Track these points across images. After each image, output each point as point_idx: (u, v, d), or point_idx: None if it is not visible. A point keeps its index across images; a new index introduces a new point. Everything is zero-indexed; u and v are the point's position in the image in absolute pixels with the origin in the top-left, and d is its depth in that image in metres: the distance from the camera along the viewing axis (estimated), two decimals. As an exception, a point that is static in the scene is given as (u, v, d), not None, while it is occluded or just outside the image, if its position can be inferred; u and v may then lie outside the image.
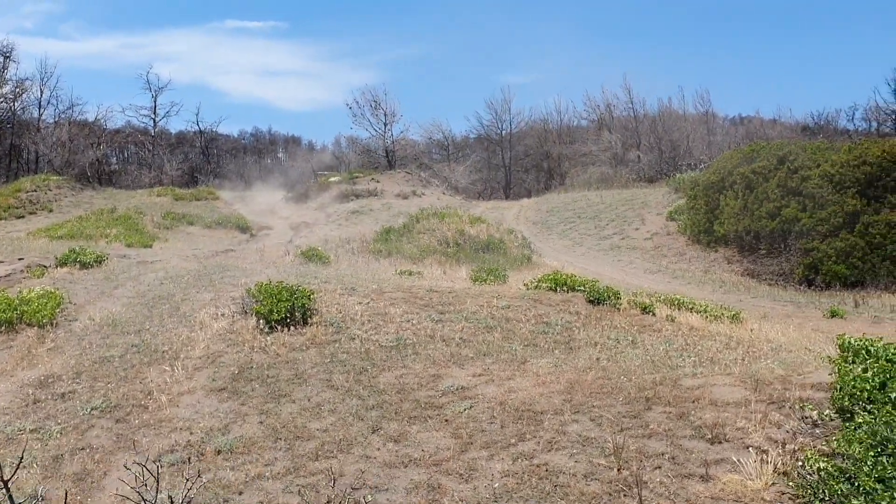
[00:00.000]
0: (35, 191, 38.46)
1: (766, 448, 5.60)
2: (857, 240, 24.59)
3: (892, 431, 4.98)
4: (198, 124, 69.69)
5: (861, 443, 4.93)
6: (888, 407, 5.37)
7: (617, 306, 11.59)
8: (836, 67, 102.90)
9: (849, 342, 7.14)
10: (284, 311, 9.21)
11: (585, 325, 10.47)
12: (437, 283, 13.29)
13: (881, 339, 7.15)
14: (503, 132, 65.92)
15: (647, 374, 7.63)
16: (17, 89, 56.13)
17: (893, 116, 63.13)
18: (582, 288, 12.09)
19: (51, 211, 36.24)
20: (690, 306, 13.27)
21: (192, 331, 9.39)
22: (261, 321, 9.25)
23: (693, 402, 6.70)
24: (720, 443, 5.90)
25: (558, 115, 73.49)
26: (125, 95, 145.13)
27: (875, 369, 5.92)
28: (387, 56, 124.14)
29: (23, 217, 35.24)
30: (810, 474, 5.01)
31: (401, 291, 11.55)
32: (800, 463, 5.19)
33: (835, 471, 4.87)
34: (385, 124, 48.69)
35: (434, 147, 62.84)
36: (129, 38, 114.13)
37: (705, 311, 12.88)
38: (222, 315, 9.84)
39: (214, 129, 71.52)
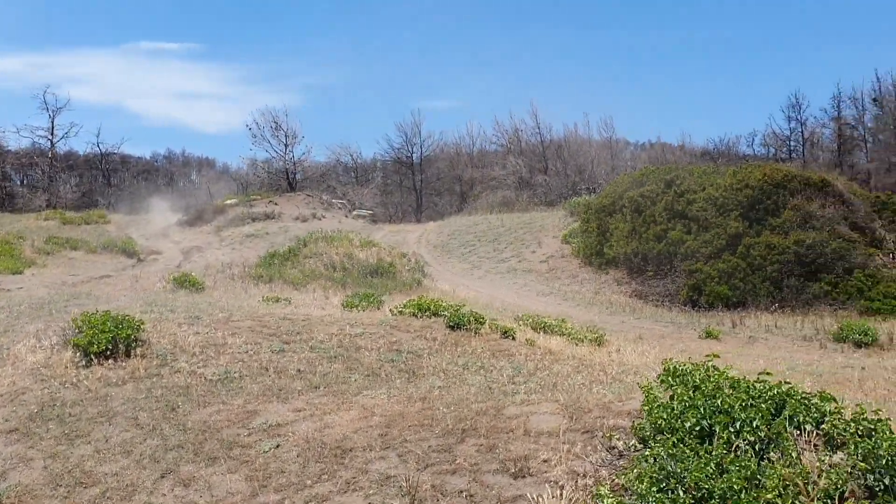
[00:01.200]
0: None
1: (563, 483, 5.38)
2: (739, 261, 25.29)
3: (676, 465, 4.80)
4: (98, 146, 67.21)
5: (647, 477, 4.73)
6: (675, 437, 5.21)
7: (477, 331, 11.35)
8: (737, 97, 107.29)
9: (672, 366, 7.03)
10: (105, 342, 8.58)
11: (439, 352, 10.19)
12: (299, 311, 12.82)
13: (706, 362, 7.06)
14: (413, 155, 65.96)
15: (475, 404, 7.35)
16: None
17: (787, 142, 66.37)
18: (445, 313, 11.82)
19: (-79, 235, 34.06)
20: (557, 329, 13.21)
21: (2, 366, 8.66)
22: (78, 353, 8.60)
23: (508, 433, 6.45)
24: (523, 477, 5.65)
25: (471, 139, 74.13)
26: (29, 116, 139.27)
27: (680, 396, 5.78)
28: (304, 80, 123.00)
29: None
30: (599, 511, 4.79)
31: (251, 320, 11.04)
32: (591, 499, 4.98)
33: (620, 508, 4.66)
34: (286, 146, 47.97)
35: (342, 170, 62.21)
36: (38, 58, 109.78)
37: (569, 334, 12.82)
38: (41, 348, 9.12)
39: (115, 151, 69.08)
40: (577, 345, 12.37)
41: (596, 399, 7.22)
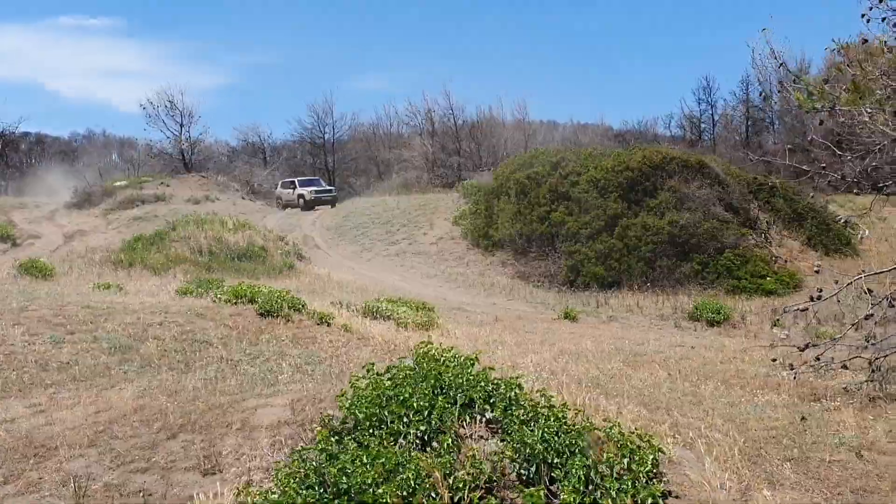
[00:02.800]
0: None
1: (244, 480, 5.26)
2: (616, 242, 25.73)
3: (321, 460, 4.70)
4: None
5: (284, 472, 4.63)
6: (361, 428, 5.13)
7: (289, 318, 11.17)
8: (655, 80, 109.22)
9: (423, 349, 6.97)
10: None
11: (236, 340, 9.98)
12: (120, 299, 12.39)
13: (452, 347, 7.02)
14: (325, 136, 65.18)
15: (215, 397, 7.17)
16: None
17: (698, 124, 68.00)
18: (259, 299, 11.58)
19: None
20: (389, 313, 13.10)
21: None
22: None
23: (226, 427, 6.29)
24: (213, 474, 5.49)
25: (388, 119, 73.57)
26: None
27: (374, 385, 5.69)
28: (232, 59, 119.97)
29: None
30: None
31: (49, 308, 10.59)
32: (248, 497, 4.85)
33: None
34: (181, 126, 46.68)
35: (249, 151, 60.99)
36: None
37: (398, 319, 12.74)
38: None
39: (11, 131, 66.16)
40: (403, 329, 12.31)
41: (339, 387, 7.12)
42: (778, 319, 13.53)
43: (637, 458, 4.68)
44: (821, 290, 8.82)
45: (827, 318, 14.90)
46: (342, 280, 22.52)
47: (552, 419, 5.00)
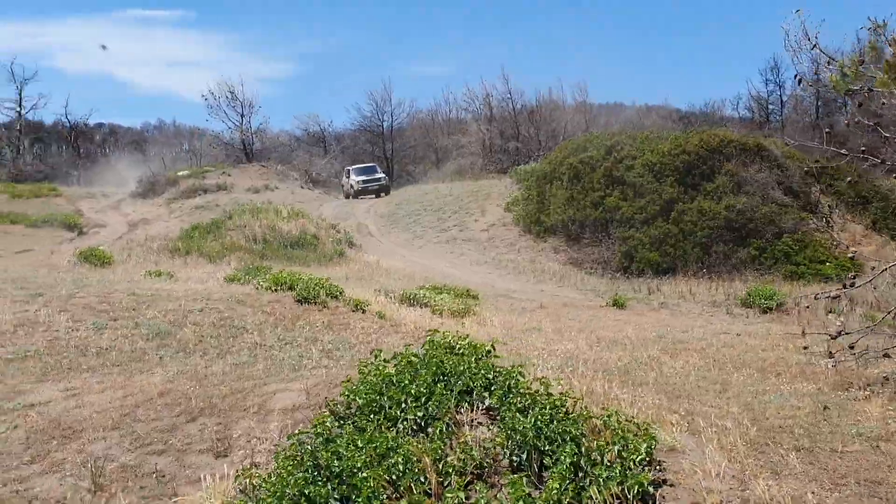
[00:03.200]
0: None
1: (253, 462, 5.42)
2: (671, 227, 25.27)
3: (316, 444, 4.80)
4: (66, 116, 66.73)
5: (290, 461, 4.74)
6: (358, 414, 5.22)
7: (326, 305, 11.36)
8: (722, 60, 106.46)
9: (434, 338, 7.01)
10: None
11: (272, 326, 10.20)
12: (167, 286, 12.77)
13: (466, 335, 7.05)
14: (384, 123, 65.62)
15: (240, 381, 7.37)
16: None
17: (765, 105, 66.04)
18: (298, 286, 11.79)
19: None
20: (426, 301, 13.19)
21: None
22: None
23: (243, 410, 6.48)
24: (225, 456, 5.68)
25: (446, 105, 73.71)
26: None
27: (377, 372, 5.77)
28: (296, 48, 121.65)
29: None
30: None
31: (96, 296, 11.01)
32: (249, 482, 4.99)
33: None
34: (242, 116, 47.67)
35: (311, 140, 61.85)
36: (28, 27, 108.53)
37: (435, 306, 12.82)
38: None
39: (84, 122, 68.69)
40: (438, 317, 12.38)
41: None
42: (833, 307, 13.17)
43: (630, 447, 4.64)
44: (854, 277, 8.56)
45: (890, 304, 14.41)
46: (391, 267, 22.71)
47: (548, 407, 4.99)
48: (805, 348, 8.78)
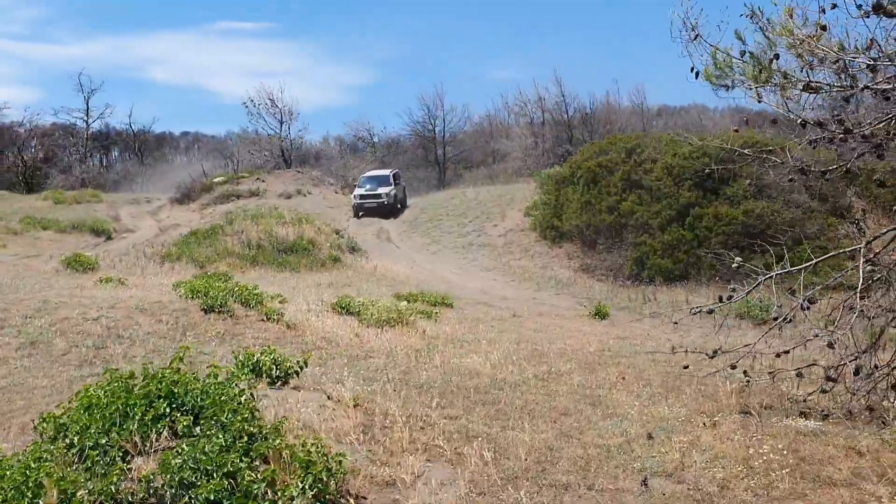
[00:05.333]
0: (-89, 198, 37.89)
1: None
2: (686, 233, 24.14)
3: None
4: (130, 125, 69.15)
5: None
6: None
7: (234, 314, 11.09)
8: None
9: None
10: None
11: (159, 337, 9.99)
12: (84, 293, 12.65)
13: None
14: (435, 129, 65.53)
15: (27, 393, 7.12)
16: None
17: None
18: (211, 293, 11.55)
19: (-79, 218, 35.49)
20: (358, 309, 12.77)
21: None
22: None
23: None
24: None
25: (498, 109, 73.24)
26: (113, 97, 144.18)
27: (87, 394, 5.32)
28: (379, 55, 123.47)
29: None
30: None
31: (3, 302, 11.02)
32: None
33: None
34: (281, 123, 48.25)
35: (361, 145, 62.30)
36: (120, 41, 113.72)
37: (365, 316, 12.40)
38: None
39: (148, 130, 71.08)
40: (364, 326, 11.96)
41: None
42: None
43: (311, 474, 4.18)
44: (734, 289, 7.81)
45: None
46: (388, 273, 22.38)
47: (236, 432, 4.53)
48: (685, 367, 8.10)
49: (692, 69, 8.49)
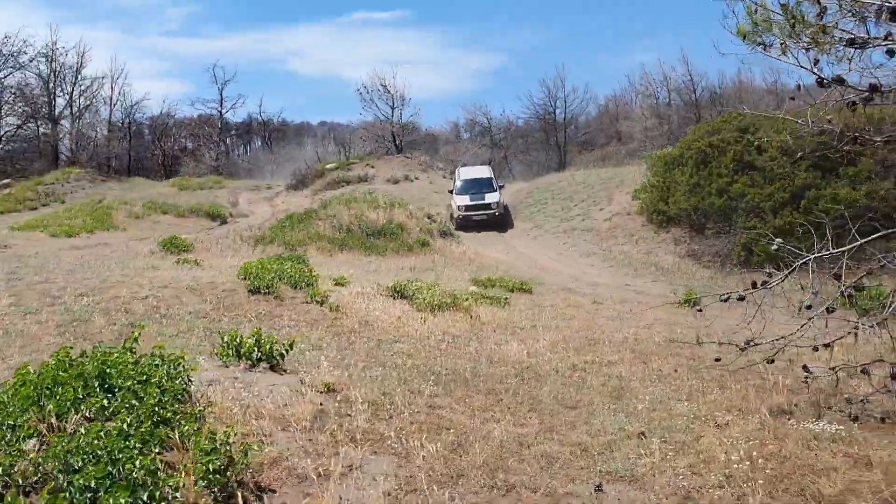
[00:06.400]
0: (53, 183, 40.85)
1: None
2: (800, 217, 22.28)
3: None
4: (260, 115, 72.00)
5: None
6: None
7: (279, 296, 11.04)
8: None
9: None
10: None
11: (201, 317, 10.07)
12: (155, 273, 13.01)
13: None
14: (556, 111, 64.37)
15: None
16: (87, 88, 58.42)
17: None
18: (265, 275, 11.57)
19: (62, 202, 38.18)
20: (412, 293, 12.48)
21: None
22: None
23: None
24: None
25: (624, 91, 71.09)
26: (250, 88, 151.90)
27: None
28: (513, 40, 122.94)
29: (35, 209, 37.30)
30: None
31: (65, 281, 11.47)
32: None
33: None
34: (392, 108, 48.59)
35: (477, 130, 62.00)
36: (263, 34, 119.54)
37: (418, 300, 12.08)
38: None
39: (278, 119, 73.77)
40: (413, 310, 11.65)
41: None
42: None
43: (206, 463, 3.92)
44: (770, 275, 6.98)
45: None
46: (476, 258, 22.00)
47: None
48: (717, 360, 7.36)
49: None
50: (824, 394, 7.40)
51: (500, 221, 28.79)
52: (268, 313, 10.35)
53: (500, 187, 30.31)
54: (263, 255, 19.63)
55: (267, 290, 11.03)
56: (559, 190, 33.28)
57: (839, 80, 5.59)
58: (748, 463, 4.75)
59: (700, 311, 7.44)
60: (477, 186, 29.34)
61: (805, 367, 7.62)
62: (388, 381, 6.87)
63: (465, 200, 28.42)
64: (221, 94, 67.89)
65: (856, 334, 6.93)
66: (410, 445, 5.10)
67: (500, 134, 61.50)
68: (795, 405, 6.56)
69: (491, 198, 28.91)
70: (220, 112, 69.07)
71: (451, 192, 30.26)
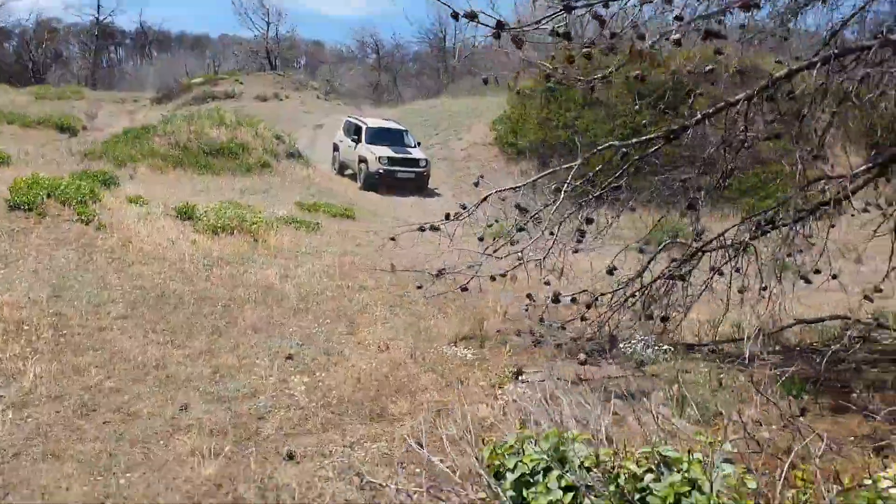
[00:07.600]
0: None
1: None
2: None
3: None
4: (140, 24, 68.43)
5: None
6: None
7: (43, 213, 10.75)
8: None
9: None
10: None
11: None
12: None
13: None
14: (446, 36, 63.51)
15: None
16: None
17: None
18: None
19: None
20: (200, 215, 12.37)
21: None
22: None
23: None
24: None
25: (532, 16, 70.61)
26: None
27: None
28: None
29: None
30: None
31: None
32: None
33: None
34: (268, 24, 47.16)
35: (366, 53, 60.78)
36: None
37: (202, 221, 12.01)
38: None
39: (159, 28, 70.26)
40: (193, 233, 11.59)
41: None
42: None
43: None
44: (465, 207, 7.32)
45: None
46: (318, 181, 21.95)
47: None
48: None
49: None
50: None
51: (422, 186, 23.76)
52: (20, 231, 10.08)
53: (419, 144, 25.61)
54: (89, 168, 19.04)
55: (29, 207, 10.71)
56: (429, 116, 33.28)
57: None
58: (344, 386, 5.03)
59: (393, 239, 7.62)
60: (391, 138, 24.33)
61: (529, 296, 8.09)
62: (78, 301, 6.88)
63: (385, 151, 23.04)
64: (99, 2, 64.11)
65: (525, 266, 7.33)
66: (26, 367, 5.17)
67: (388, 58, 60.50)
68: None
69: (418, 153, 24.22)
70: (98, 19, 65.23)
71: (351, 141, 24.69)
